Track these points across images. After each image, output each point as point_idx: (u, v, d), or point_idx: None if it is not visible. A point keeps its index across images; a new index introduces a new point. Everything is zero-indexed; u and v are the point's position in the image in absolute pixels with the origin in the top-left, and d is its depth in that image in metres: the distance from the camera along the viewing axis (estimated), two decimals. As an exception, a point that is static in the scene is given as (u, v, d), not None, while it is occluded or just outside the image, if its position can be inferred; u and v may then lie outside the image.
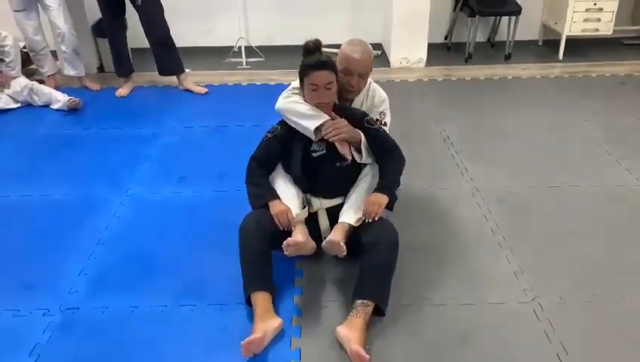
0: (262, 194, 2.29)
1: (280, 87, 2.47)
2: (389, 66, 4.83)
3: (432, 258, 2.40)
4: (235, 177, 3.02)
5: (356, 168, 2.36)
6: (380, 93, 2.51)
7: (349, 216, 2.23)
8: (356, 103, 2.46)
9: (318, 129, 2.21)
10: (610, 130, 3.53)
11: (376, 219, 2.15)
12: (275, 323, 2.00)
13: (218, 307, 2.14)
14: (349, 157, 2.24)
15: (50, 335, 2.03)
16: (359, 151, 2.27)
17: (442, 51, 5.22)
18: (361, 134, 2.26)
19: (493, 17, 5.23)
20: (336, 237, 2.14)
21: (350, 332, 1.93)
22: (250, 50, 4.99)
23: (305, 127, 2.24)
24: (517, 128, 3.60)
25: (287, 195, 2.29)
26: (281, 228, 2.17)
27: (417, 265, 2.35)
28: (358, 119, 2.29)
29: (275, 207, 2.21)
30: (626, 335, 1.98)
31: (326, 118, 2.23)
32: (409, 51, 4.78)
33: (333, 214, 2.31)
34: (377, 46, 5.23)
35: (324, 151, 2.29)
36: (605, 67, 4.67)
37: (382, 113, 2.49)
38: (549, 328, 2.01)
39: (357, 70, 2.29)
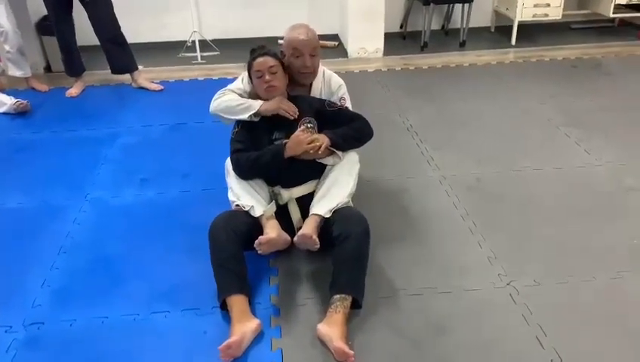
0: (271, 151, 2.24)
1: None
2: (347, 57, 4.81)
3: (405, 248, 2.39)
4: (200, 176, 2.97)
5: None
6: (336, 79, 2.52)
7: (320, 207, 2.19)
8: (315, 90, 2.46)
9: (255, 114, 2.28)
10: (567, 112, 3.62)
11: (319, 153, 2.21)
12: (253, 324, 1.95)
13: (193, 312, 2.07)
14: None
15: (15, 353, 1.91)
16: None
17: (398, 40, 5.24)
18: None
19: (447, 5, 5.28)
20: (307, 230, 2.10)
21: (331, 328, 1.90)
22: (205, 44, 4.88)
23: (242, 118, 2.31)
24: (478, 114, 3.64)
25: (250, 194, 2.24)
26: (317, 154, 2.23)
27: (391, 256, 2.34)
28: (318, 105, 2.36)
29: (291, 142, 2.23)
30: (599, 313, 2.03)
31: (259, 102, 2.28)
32: (366, 41, 4.77)
33: (305, 205, 2.27)
34: (334, 37, 5.21)
35: (285, 139, 2.27)
36: (556, 51, 4.79)
37: (342, 99, 2.49)
38: (526, 311, 2.03)
39: (307, 49, 2.31)
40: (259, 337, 1.94)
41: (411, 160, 3.11)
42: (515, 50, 4.91)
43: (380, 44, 4.79)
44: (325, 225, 2.17)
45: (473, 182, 2.88)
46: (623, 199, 2.72)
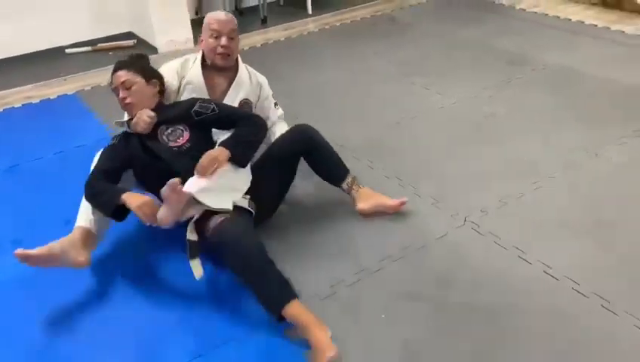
0: (110, 195, 1.97)
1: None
2: (157, 53, 4.39)
3: (361, 221, 2.34)
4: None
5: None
6: (260, 76, 2.55)
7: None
8: (242, 83, 2.43)
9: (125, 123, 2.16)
10: (398, 65, 3.89)
11: (211, 175, 1.95)
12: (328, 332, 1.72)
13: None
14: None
15: None
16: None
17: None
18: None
19: (237, -16, 5.17)
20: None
21: (373, 197, 2.30)
22: (-22, 69, 3.97)
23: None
24: (322, 87, 3.65)
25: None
26: (148, 224, 1.91)
27: (350, 233, 2.28)
28: (186, 113, 2.17)
29: (133, 200, 1.90)
30: (548, 216, 2.30)
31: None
32: (173, 32, 4.42)
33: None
34: (128, 35, 4.71)
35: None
36: (351, 13, 5.09)
37: (267, 99, 2.52)
38: (496, 239, 2.19)
39: (225, 29, 2.31)
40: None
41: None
42: (313, 18, 5.06)
43: (189, 32, 4.49)
44: (274, 151, 2.29)
45: (368, 144, 2.93)
46: (493, 124, 3.07)
